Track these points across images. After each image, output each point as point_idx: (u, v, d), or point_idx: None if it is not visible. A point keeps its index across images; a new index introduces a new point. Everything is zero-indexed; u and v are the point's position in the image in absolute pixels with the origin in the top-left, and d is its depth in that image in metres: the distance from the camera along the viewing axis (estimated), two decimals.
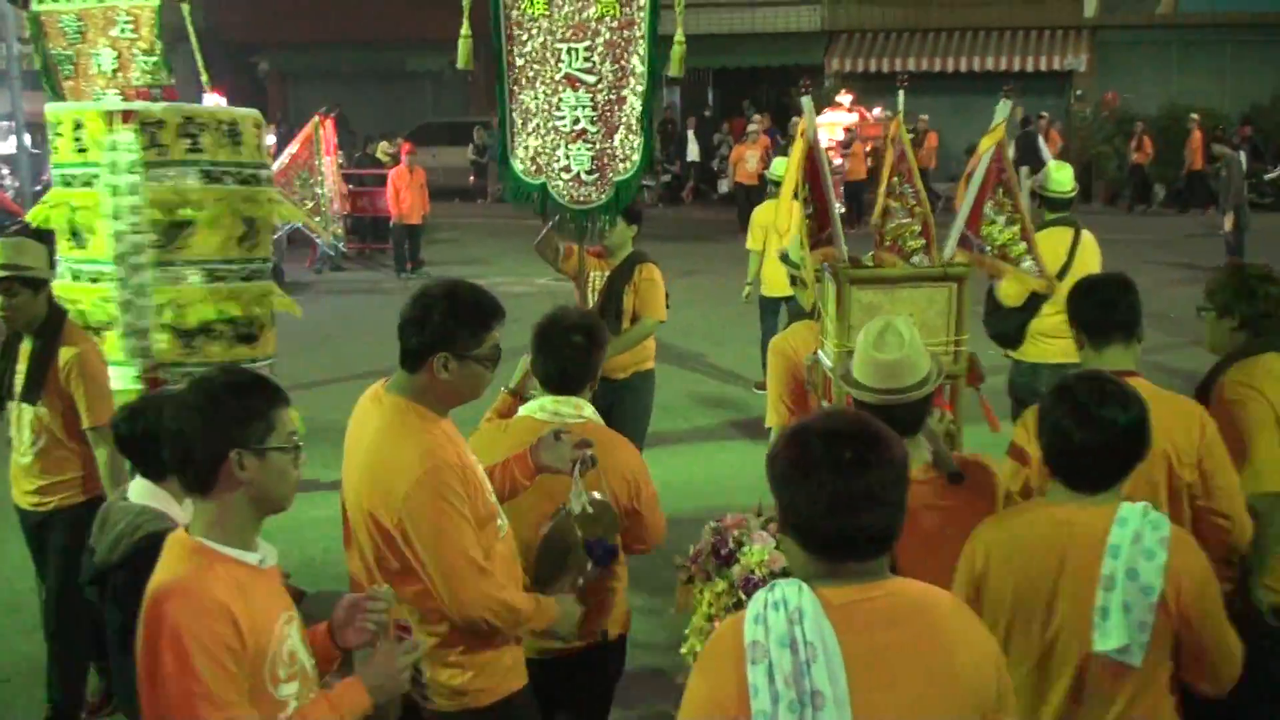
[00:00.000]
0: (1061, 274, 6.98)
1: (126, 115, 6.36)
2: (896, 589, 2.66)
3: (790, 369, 5.63)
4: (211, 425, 3.02)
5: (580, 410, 4.44)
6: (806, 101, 4.80)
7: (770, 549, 4.01)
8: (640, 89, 6.70)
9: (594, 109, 6.78)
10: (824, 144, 20.51)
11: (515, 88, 6.87)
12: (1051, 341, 7.34)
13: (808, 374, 5.15)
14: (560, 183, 6.88)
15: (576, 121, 6.80)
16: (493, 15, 6.80)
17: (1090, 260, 7.64)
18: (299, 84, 34.59)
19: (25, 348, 5.81)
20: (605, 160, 6.82)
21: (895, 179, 4.83)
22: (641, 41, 6.66)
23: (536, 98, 6.82)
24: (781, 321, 12.03)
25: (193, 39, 8.29)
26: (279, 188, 16.39)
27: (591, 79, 6.74)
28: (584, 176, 6.87)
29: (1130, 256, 16.07)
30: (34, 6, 8.32)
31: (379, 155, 22.71)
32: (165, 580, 2.99)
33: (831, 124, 23.18)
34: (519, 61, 6.83)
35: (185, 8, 8.13)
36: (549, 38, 6.72)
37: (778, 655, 2.53)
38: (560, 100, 6.80)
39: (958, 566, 3.53)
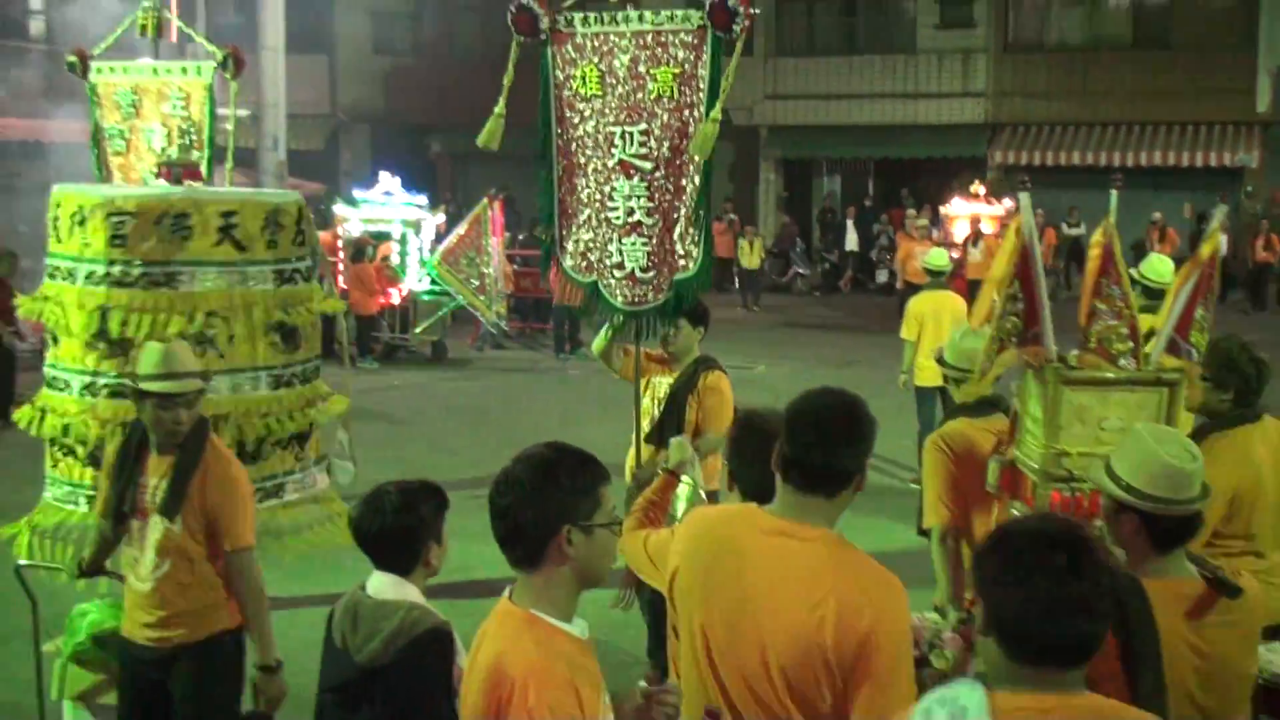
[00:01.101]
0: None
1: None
2: (1081, 703, 2.63)
3: (951, 468, 5.51)
4: (545, 502, 3.04)
5: None
6: (1024, 198, 4.73)
7: (960, 651, 3.97)
8: (699, 177, 6.09)
9: (650, 199, 6.19)
10: (957, 237, 19.96)
11: (566, 175, 6.37)
12: None
13: (991, 476, 4.99)
14: (613, 281, 6.35)
15: (631, 213, 6.22)
16: (542, 94, 6.36)
17: None
18: (469, 165, 35.51)
19: (156, 460, 5.13)
20: (663, 256, 6.21)
21: (1103, 280, 4.71)
22: (701, 126, 6.03)
23: (588, 186, 6.31)
24: (938, 412, 11.94)
25: (232, 116, 7.96)
26: (446, 265, 16.93)
27: (648, 166, 6.15)
28: (639, 274, 6.29)
29: None
30: (92, 77, 8.19)
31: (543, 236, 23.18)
32: (516, 657, 2.97)
33: (974, 215, 22.69)
34: (570, 146, 6.33)
35: (234, 86, 7.83)
36: (601, 120, 6.21)
37: None
38: (613, 189, 6.24)
39: None
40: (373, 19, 36.75)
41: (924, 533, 5.79)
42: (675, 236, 6.15)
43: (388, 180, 20.85)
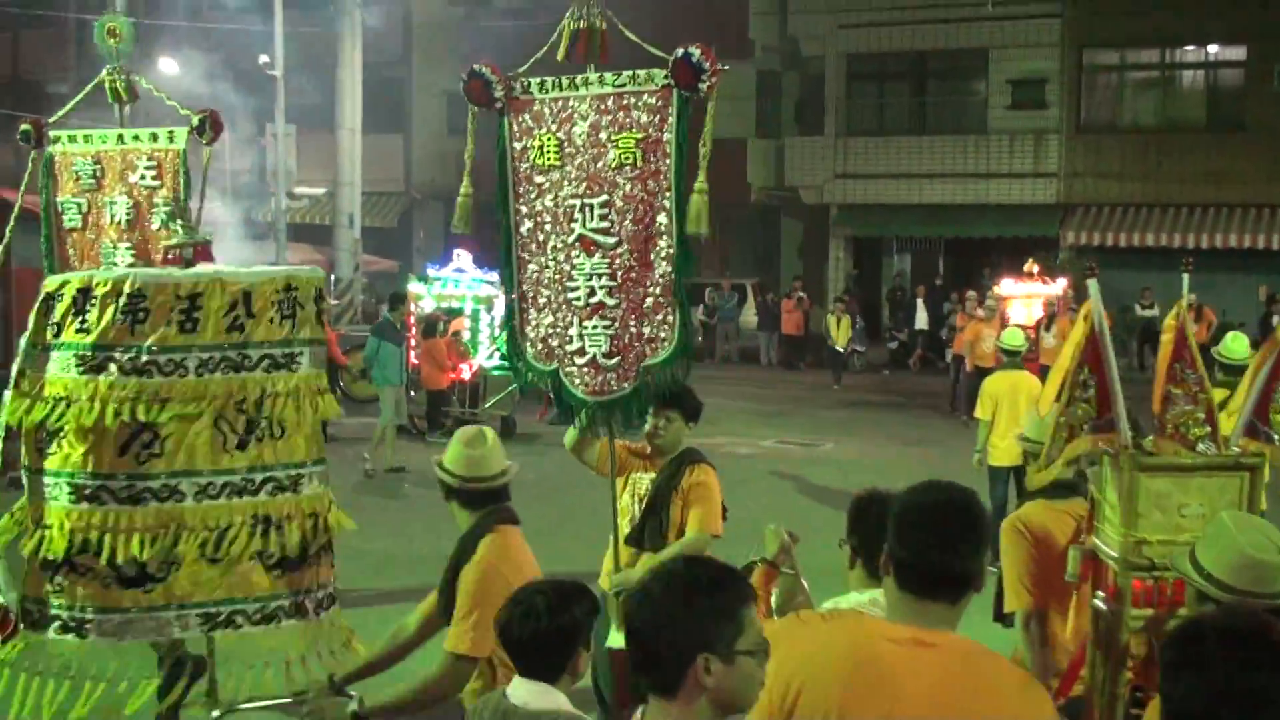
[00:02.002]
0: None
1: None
2: None
3: (1031, 551, 5.41)
4: (681, 627, 2.79)
5: None
6: (1093, 285, 4.64)
7: None
8: (668, 252, 5.45)
9: (613, 278, 5.57)
10: (1020, 319, 19.34)
11: (524, 254, 5.83)
12: None
13: (1071, 565, 4.83)
14: (574, 368, 5.70)
15: (592, 293, 5.60)
16: (498, 166, 5.90)
17: None
18: None
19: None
20: (628, 341, 5.58)
21: (1176, 364, 4.62)
22: (668, 195, 5.44)
23: (548, 266, 5.74)
24: (1011, 492, 11.84)
25: (203, 180, 7.33)
26: None
27: (609, 241, 5.56)
28: (601, 360, 5.62)
29: None
30: (49, 149, 7.49)
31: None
32: None
33: (1029, 296, 21.58)
34: (527, 224, 5.81)
35: (207, 153, 7.22)
36: (559, 192, 5.68)
37: None
38: (574, 268, 5.64)
39: None
40: (447, 100, 37.43)
41: (1000, 618, 5.71)
42: (643, 318, 5.55)
43: (460, 257, 21.13)
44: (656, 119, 5.45)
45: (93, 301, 4.78)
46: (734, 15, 34.09)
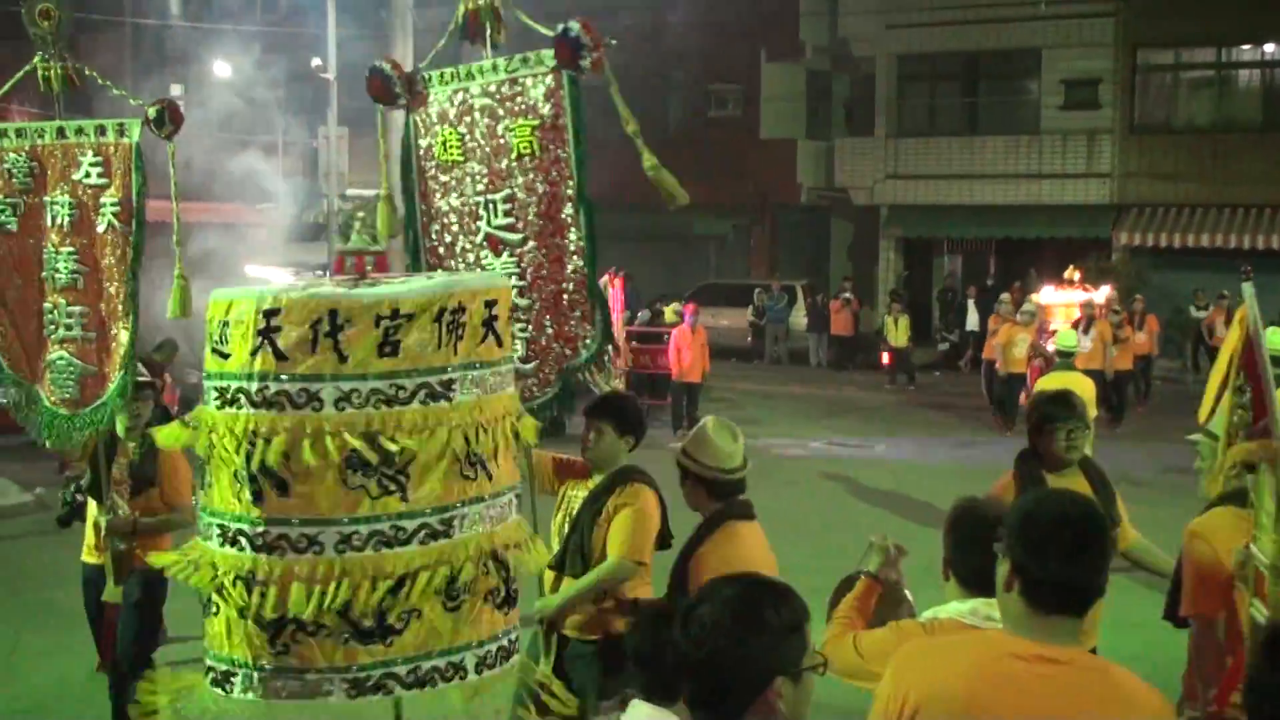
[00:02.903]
0: None
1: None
2: None
3: (1210, 557, 5.17)
4: (754, 651, 2.62)
5: None
6: (1248, 288, 4.46)
7: None
8: (579, 245, 5.14)
9: (522, 277, 5.24)
10: (1058, 326, 18.64)
11: (434, 259, 5.52)
12: None
13: (1237, 569, 4.71)
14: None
15: None
16: (403, 167, 5.60)
17: None
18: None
19: None
20: (546, 343, 5.28)
21: None
22: (571, 184, 5.15)
23: (458, 269, 5.41)
24: None
25: (173, 180, 6.47)
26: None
27: (515, 238, 5.25)
28: (519, 366, 5.15)
29: None
30: None
31: (668, 316, 23.35)
32: None
33: (1069, 304, 20.61)
34: (435, 225, 5.51)
35: (171, 148, 6.36)
36: (464, 190, 5.39)
37: None
38: (483, 269, 5.33)
39: None
40: None
41: (1171, 618, 5.60)
42: (559, 318, 5.23)
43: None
44: (551, 104, 5.15)
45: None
46: (784, 17, 34.02)
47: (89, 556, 7.54)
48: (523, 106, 5.19)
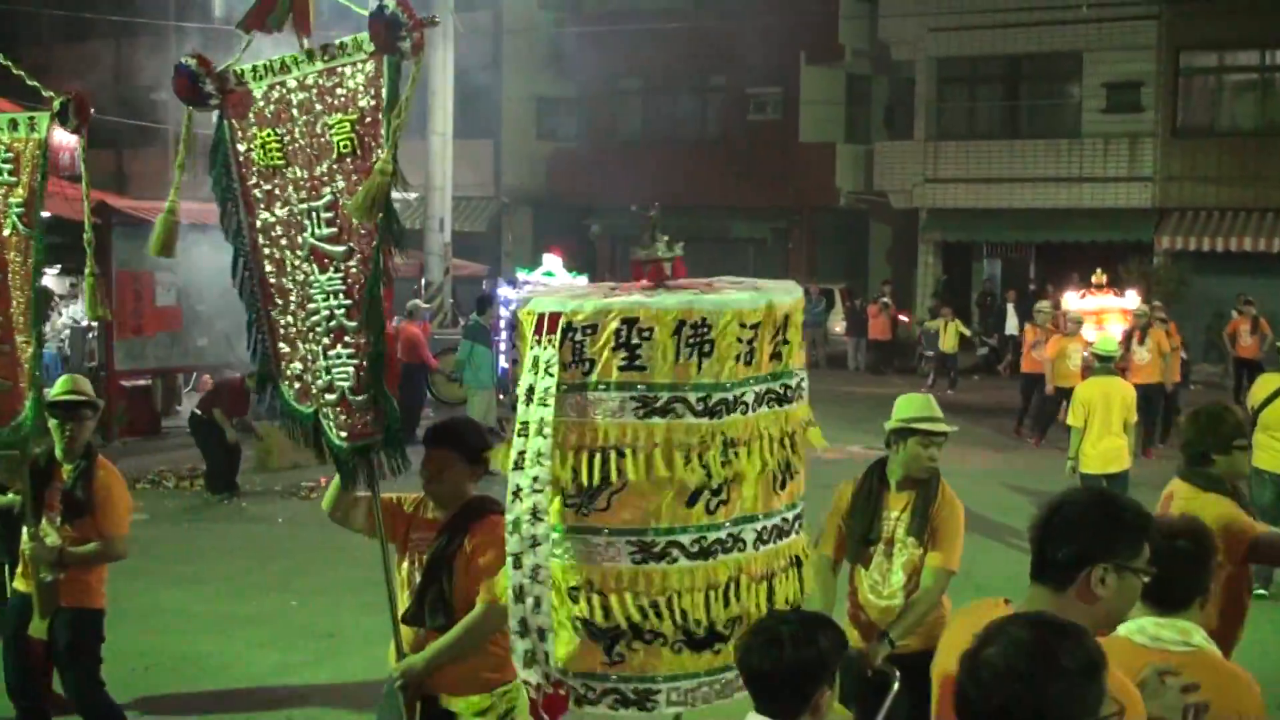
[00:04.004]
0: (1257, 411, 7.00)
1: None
2: None
3: None
4: (1051, 698, 2.54)
5: (1188, 637, 3.63)
6: None
7: None
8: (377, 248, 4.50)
9: (349, 295, 4.55)
10: (1090, 338, 17.86)
11: (265, 277, 4.84)
12: None
13: None
14: (329, 410, 4.69)
15: (330, 316, 4.60)
16: (219, 175, 4.86)
17: None
18: (627, 246, 35.95)
19: (895, 495, 6.08)
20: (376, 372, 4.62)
21: None
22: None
23: (288, 288, 4.77)
24: None
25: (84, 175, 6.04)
26: None
27: (339, 250, 4.55)
28: (351, 398, 4.60)
29: None
30: None
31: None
32: None
33: (1101, 312, 19.35)
34: (261, 239, 4.81)
35: (80, 143, 6.04)
36: (287, 199, 4.71)
37: None
38: (310, 287, 4.65)
39: None
40: (537, 105, 37.72)
41: None
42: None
43: (550, 261, 21.28)
44: (371, 95, 4.41)
45: (643, 334, 3.93)
46: (824, 20, 33.97)
47: (19, 583, 6.83)
48: (342, 100, 4.48)
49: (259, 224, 4.80)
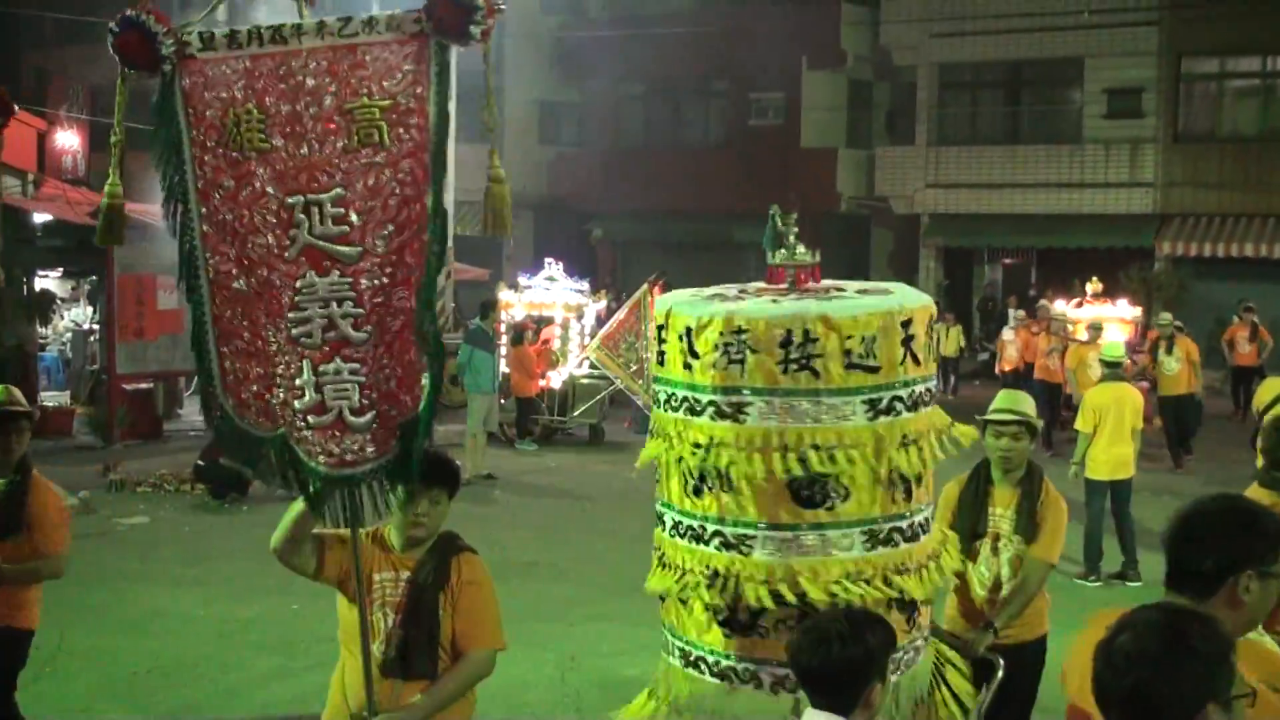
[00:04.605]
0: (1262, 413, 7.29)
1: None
2: None
3: None
4: (1185, 679, 2.61)
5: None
6: None
7: None
8: (431, 259, 4.08)
9: (358, 303, 4.08)
10: (1086, 339, 17.67)
11: (216, 275, 4.18)
12: None
13: None
14: (308, 433, 4.14)
15: (330, 326, 4.11)
16: (166, 154, 4.16)
17: None
18: (628, 250, 35.97)
19: (1002, 490, 6.43)
20: (386, 389, 4.11)
21: None
22: (427, 186, 4.04)
23: (258, 292, 4.16)
24: (1107, 507, 11.61)
25: None
26: (606, 350, 17.18)
27: (349, 252, 4.07)
28: (350, 418, 4.12)
29: None
30: None
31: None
32: None
33: (1103, 319, 19.30)
34: (218, 234, 4.16)
35: None
36: (270, 189, 4.10)
37: None
38: (299, 293, 4.11)
39: None
40: (539, 109, 37.69)
41: None
42: (402, 358, 4.10)
43: (551, 266, 21.30)
44: (407, 81, 3.99)
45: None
46: (826, 26, 33.97)
47: None
48: (364, 85, 4.02)
49: (222, 216, 4.16)
